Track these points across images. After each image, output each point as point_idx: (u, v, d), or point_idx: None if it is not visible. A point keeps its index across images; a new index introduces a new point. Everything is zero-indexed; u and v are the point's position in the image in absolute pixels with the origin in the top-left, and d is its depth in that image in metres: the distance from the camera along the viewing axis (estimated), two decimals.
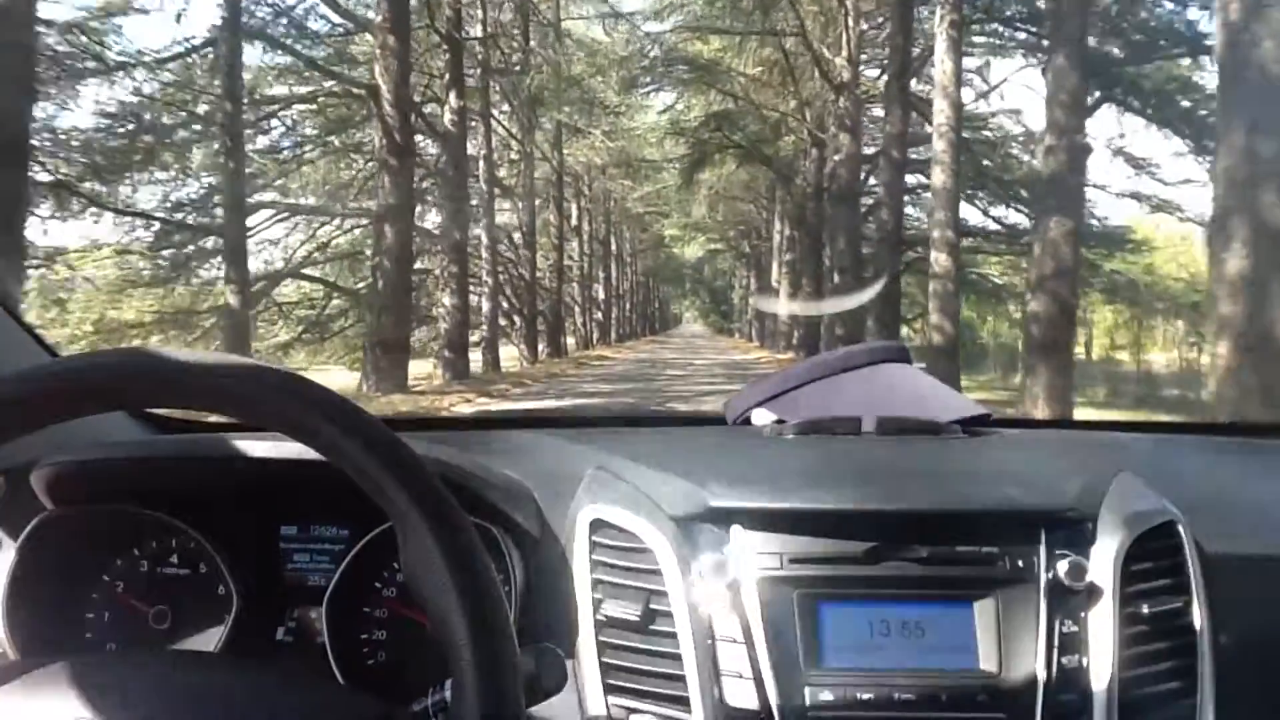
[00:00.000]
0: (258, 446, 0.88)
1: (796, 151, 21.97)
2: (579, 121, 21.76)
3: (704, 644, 0.77)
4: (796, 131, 21.43)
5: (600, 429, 1.32)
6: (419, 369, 15.50)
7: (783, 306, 24.80)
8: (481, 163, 16.34)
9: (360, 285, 13.62)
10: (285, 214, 11.92)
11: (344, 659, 0.89)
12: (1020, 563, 0.79)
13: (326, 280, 13.22)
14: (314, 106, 12.12)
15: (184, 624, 0.93)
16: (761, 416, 1.16)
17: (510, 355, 20.00)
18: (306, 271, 13.81)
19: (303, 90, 11.43)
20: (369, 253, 11.30)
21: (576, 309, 27.77)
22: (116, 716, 0.55)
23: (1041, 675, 0.75)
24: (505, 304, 19.84)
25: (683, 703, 0.76)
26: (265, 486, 0.94)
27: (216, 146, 8.69)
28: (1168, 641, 0.78)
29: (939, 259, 10.27)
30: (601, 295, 33.29)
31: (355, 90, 11.18)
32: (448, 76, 13.34)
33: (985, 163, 16.37)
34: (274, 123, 12.53)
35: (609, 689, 0.79)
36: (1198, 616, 0.79)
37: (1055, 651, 0.76)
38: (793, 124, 21.30)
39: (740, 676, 0.76)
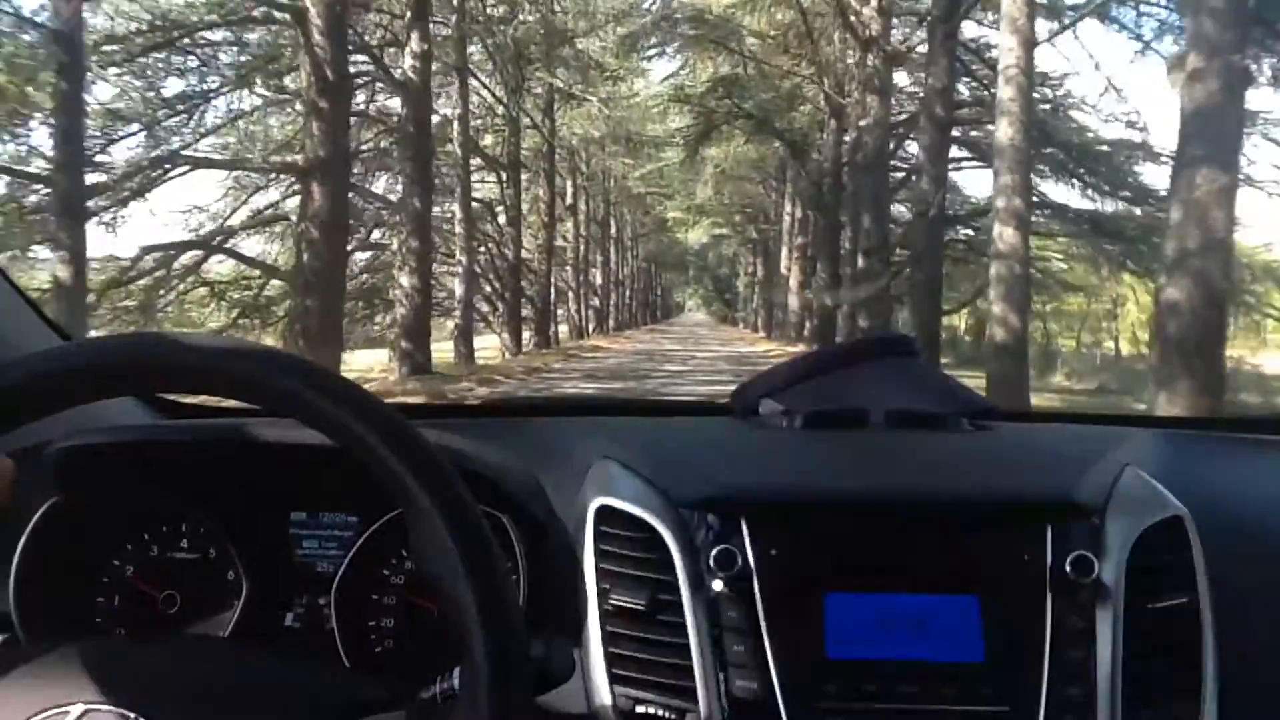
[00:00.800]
0: (269, 432, 0.88)
1: (812, 123, 19.89)
2: (573, 86, 19.61)
3: (710, 634, 0.76)
4: (813, 100, 19.33)
5: (608, 417, 1.31)
6: (376, 360, 13.60)
7: (794, 296, 22.94)
8: (456, 124, 14.27)
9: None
10: (186, 167, 9.82)
11: (352, 646, 0.89)
12: (1026, 556, 0.78)
13: (235, 253, 11.11)
14: (230, 34, 9.98)
15: (193, 609, 0.92)
16: (769, 407, 1.15)
17: (493, 345, 18.03)
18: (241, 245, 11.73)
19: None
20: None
21: (570, 295, 25.62)
22: (126, 700, 0.56)
23: (1046, 668, 0.75)
24: (489, 287, 17.75)
25: (689, 693, 0.76)
26: (275, 472, 0.94)
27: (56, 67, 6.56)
28: (1172, 637, 0.77)
29: (1004, 234, 8.24)
30: (599, 280, 31.17)
31: (279, 14, 9.08)
32: (409, 15, 11.24)
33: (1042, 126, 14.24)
34: (191, 62, 10.42)
35: (615, 679, 0.77)
36: (1203, 613, 0.77)
37: (1060, 645, 0.75)
38: (809, 92, 19.19)
39: (746, 667, 0.75)
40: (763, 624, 0.76)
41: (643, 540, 0.80)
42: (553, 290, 22.49)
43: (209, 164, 10.49)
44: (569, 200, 24.80)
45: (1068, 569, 0.76)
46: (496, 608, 0.53)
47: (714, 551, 0.77)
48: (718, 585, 0.77)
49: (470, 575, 0.53)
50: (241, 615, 0.90)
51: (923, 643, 0.76)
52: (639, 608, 0.77)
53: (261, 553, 0.92)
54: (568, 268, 25.51)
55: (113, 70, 9.02)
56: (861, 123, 14.13)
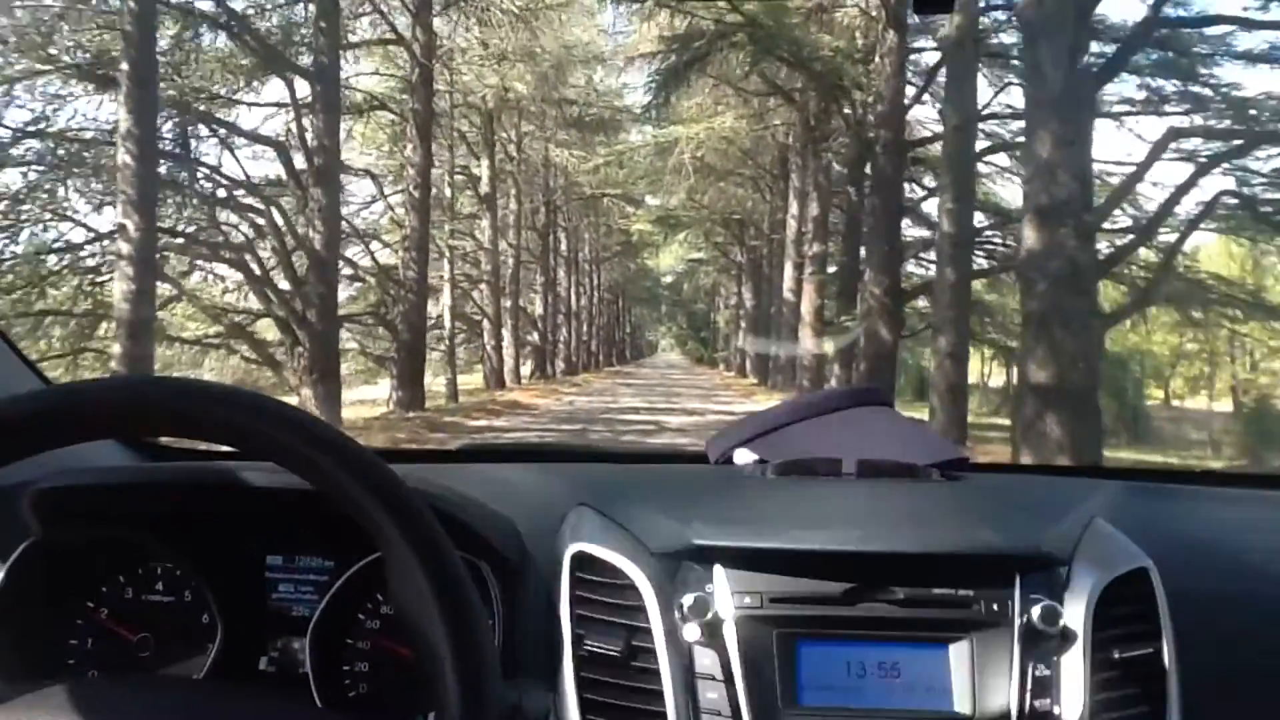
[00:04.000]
0: (247, 476, 0.89)
1: (849, 50, 12.34)
2: None
3: (684, 681, 0.78)
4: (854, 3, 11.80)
5: (584, 464, 1.33)
6: None
7: (807, 330, 15.48)
8: None
9: None
10: None
11: (326, 690, 0.90)
12: (995, 606, 0.79)
13: None
14: None
15: (167, 652, 0.93)
16: (743, 456, 1.16)
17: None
18: None
19: None
20: None
21: (487, 327, 17.62)
22: None
23: (1014, 717, 0.76)
24: (276, 300, 9.78)
25: None
26: (252, 516, 0.95)
27: None
28: (1137, 686, 0.79)
29: None
30: (539, 310, 23.25)
31: None
32: None
33: None
34: None
35: None
36: (1167, 661, 0.79)
37: (1028, 694, 0.77)
38: None
39: (719, 715, 0.76)
40: (736, 671, 0.77)
41: (618, 587, 0.81)
42: (447, 317, 14.59)
43: None
44: (484, 187, 17.00)
45: (1036, 619, 0.77)
46: (471, 652, 0.54)
47: (688, 599, 0.78)
48: (691, 632, 0.78)
49: (446, 620, 0.54)
50: (215, 659, 0.90)
51: (894, 691, 0.78)
52: (613, 654, 0.78)
53: (237, 596, 0.92)
54: (482, 286, 17.61)
55: None
56: None
